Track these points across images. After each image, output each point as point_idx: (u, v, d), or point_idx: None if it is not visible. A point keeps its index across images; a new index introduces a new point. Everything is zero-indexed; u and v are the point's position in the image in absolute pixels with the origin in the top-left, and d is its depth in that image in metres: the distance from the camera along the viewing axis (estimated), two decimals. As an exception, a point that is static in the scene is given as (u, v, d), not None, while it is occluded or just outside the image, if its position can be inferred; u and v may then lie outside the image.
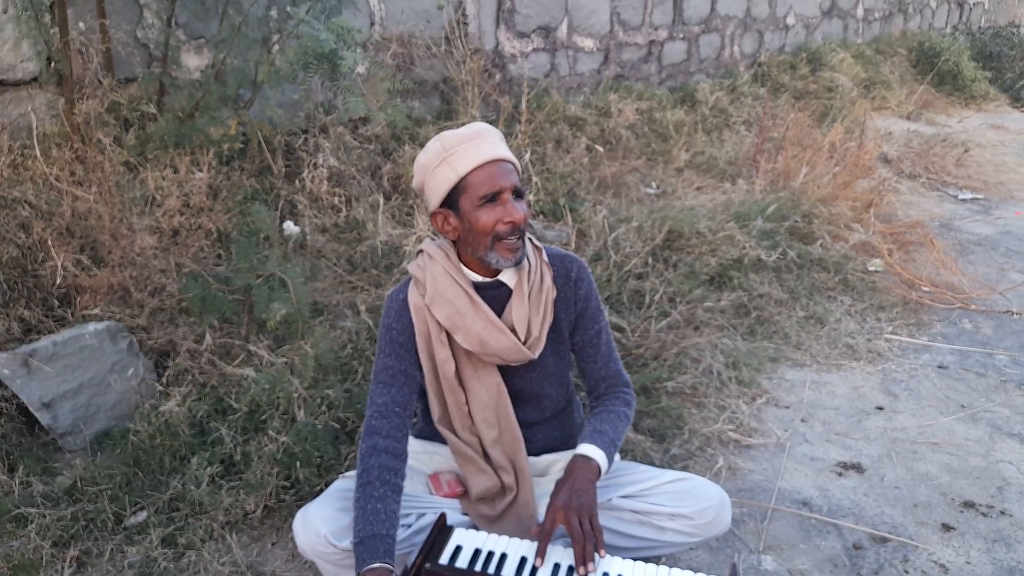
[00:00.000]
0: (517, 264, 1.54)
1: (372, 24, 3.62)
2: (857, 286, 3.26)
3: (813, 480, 2.16)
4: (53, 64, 2.55)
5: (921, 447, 2.32)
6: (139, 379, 2.23)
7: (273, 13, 2.75)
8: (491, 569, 1.40)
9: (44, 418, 2.12)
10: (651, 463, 2.15)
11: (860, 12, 7.29)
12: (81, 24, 2.78)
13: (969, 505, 2.06)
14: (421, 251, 1.65)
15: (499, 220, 1.47)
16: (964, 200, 4.61)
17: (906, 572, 1.82)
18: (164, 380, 2.23)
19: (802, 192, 3.71)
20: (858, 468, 2.22)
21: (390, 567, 1.35)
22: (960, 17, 9.21)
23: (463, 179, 1.46)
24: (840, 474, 2.19)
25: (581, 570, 1.35)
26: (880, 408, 2.52)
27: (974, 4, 9.41)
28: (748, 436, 2.34)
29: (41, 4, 2.53)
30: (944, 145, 5.22)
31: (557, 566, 1.40)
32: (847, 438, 2.36)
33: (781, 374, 2.69)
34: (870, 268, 3.43)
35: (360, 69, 2.28)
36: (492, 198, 1.47)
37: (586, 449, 1.52)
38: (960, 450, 2.30)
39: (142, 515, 1.95)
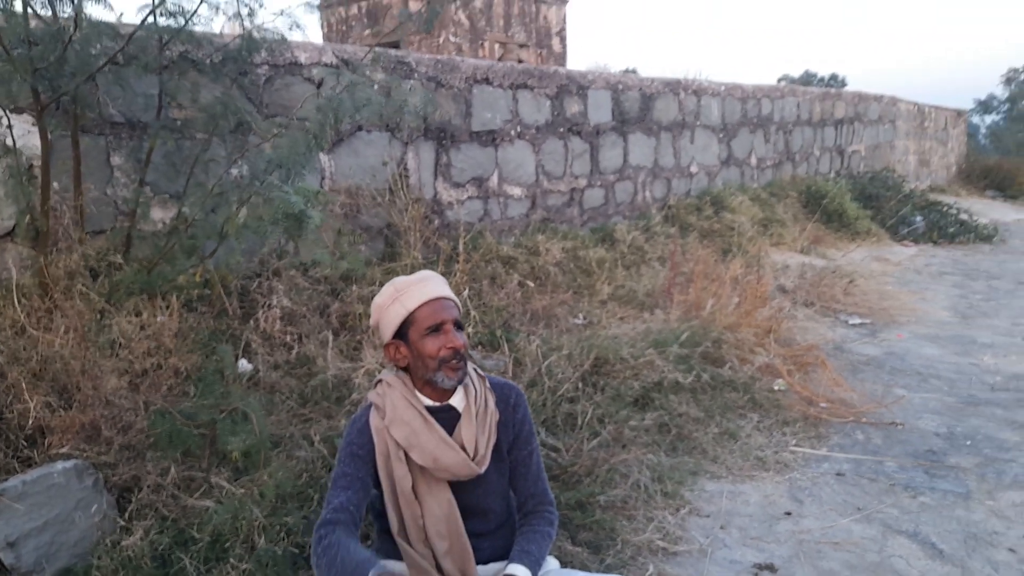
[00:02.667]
0: (460, 383, 1.81)
1: (322, 179, 4.02)
2: (764, 404, 3.64)
3: (733, 581, 2.40)
4: (32, 221, 2.78)
5: (825, 547, 2.60)
6: (101, 515, 2.33)
7: (235, 172, 3.10)
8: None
9: (7, 558, 2.18)
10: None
11: (754, 161, 8.26)
12: (56, 184, 3.04)
13: (867, 596, 2.33)
14: (380, 380, 1.91)
15: (443, 346, 1.75)
16: (853, 325, 5.19)
17: (816, 659, 2.05)
18: (127, 515, 2.33)
19: (711, 320, 4.16)
20: (771, 569, 2.47)
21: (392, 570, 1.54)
22: (842, 163, 10.47)
23: (412, 314, 1.76)
24: (756, 574, 2.44)
25: None
26: (788, 513, 2.81)
27: (852, 152, 10.74)
28: (674, 544, 2.58)
29: (26, 169, 2.81)
30: (833, 276, 5.89)
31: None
32: (761, 542, 2.63)
33: (701, 486, 2.97)
34: (775, 387, 3.83)
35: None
36: (436, 328, 1.76)
37: (514, 569, 1.73)
38: (858, 548, 2.60)
39: (103, 650, 2.01)
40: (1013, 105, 30.14)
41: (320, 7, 15.62)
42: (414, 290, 1.79)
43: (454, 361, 1.77)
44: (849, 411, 3.66)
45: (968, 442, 3.44)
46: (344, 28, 13.31)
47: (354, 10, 14.48)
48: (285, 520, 2.32)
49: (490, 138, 5.00)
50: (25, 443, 2.40)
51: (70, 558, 2.27)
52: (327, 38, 13.54)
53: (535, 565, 1.78)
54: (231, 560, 2.18)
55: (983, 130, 33.06)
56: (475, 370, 1.93)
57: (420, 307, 1.76)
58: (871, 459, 3.25)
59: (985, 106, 31.86)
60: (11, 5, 2.39)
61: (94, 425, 2.36)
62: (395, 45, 13.42)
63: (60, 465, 2.30)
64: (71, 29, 2.40)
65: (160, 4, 2.54)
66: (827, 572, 2.46)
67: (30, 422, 2.36)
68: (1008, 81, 33.91)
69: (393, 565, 1.70)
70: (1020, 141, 24.09)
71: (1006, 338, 5.05)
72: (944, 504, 2.89)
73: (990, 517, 2.80)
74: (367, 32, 14.88)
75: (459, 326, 1.80)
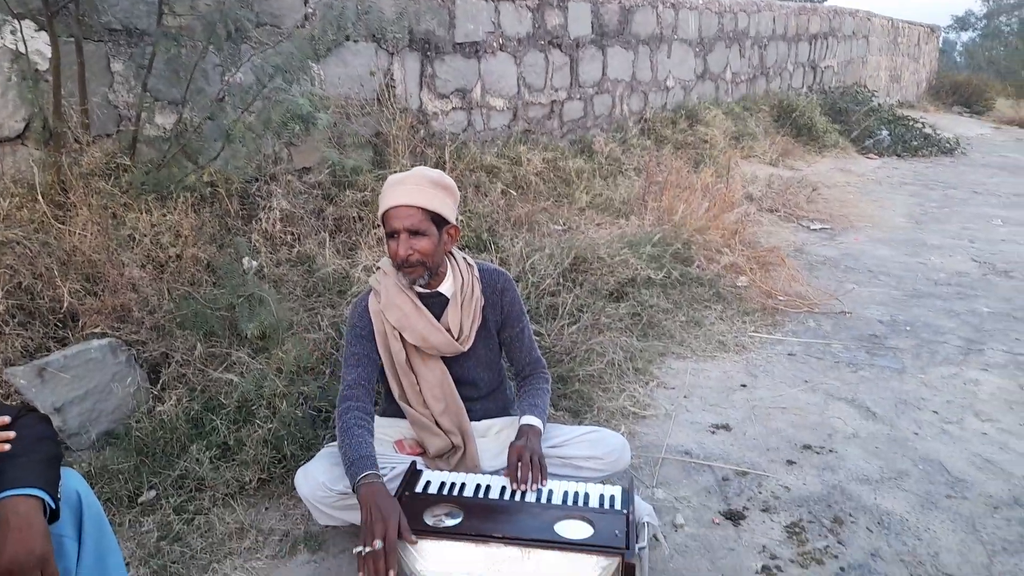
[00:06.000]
0: (413, 285, 2.04)
1: (312, 87, 4.15)
2: (727, 297, 3.99)
3: (693, 437, 2.78)
4: (45, 124, 2.94)
5: (774, 411, 2.99)
6: (136, 387, 2.62)
7: (240, 77, 3.25)
8: (455, 492, 1.90)
9: (55, 421, 2.46)
10: (569, 433, 2.71)
11: (728, 75, 8.41)
12: (62, 90, 3.18)
13: (807, 447, 2.72)
14: (379, 268, 2.18)
15: (395, 252, 1.98)
16: (814, 230, 5.53)
17: (760, 493, 2.44)
18: (159, 386, 2.62)
19: (682, 224, 4.46)
20: (727, 428, 2.86)
21: (379, 474, 1.83)
22: (814, 78, 10.62)
23: (381, 216, 2.00)
24: (713, 432, 2.82)
25: (523, 486, 1.89)
26: (744, 385, 3.19)
27: (825, 67, 10.88)
28: (644, 410, 2.94)
29: (37, 74, 2.94)
30: (799, 186, 6.19)
31: (504, 487, 1.92)
32: (719, 408, 3.01)
33: (668, 364, 3.33)
34: (738, 284, 4.18)
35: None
36: (391, 235, 1.98)
37: (528, 419, 2.07)
38: (802, 412, 2.99)
39: (152, 493, 2.33)
40: (989, 21, 30.07)
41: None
42: (386, 194, 1.98)
43: (406, 267, 1.99)
44: (804, 303, 4.02)
45: (908, 328, 3.83)
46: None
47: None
48: (303, 389, 2.63)
49: (473, 50, 5.12)
50: (59, 324, 2.65)
51: (110, 423, 2.57)
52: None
53: (543, 414, 2.12)
54: (257, 421, 2.49)
55: (959, 47, 33.05)
56: (464, 259, 2.20)
57: (385, 212, 1.97)
58: (820, 342, 3.63)
59: (962, 22, 31.73)
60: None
61: (124, 307, 2.62)
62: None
63: (96, 343, 2.57)
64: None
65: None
66: (774, 430, 2.84)
67: (64, 306, 2.61)
68: (987, -4, 33.69)
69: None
70: (992, 58, 24.23)
71: (954, 240, 5.44)
72: (881, 377, 3.28)
73: (920, 387, 3.20)
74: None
75: (416, 232, 1.95)
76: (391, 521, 1.64)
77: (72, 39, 3.05)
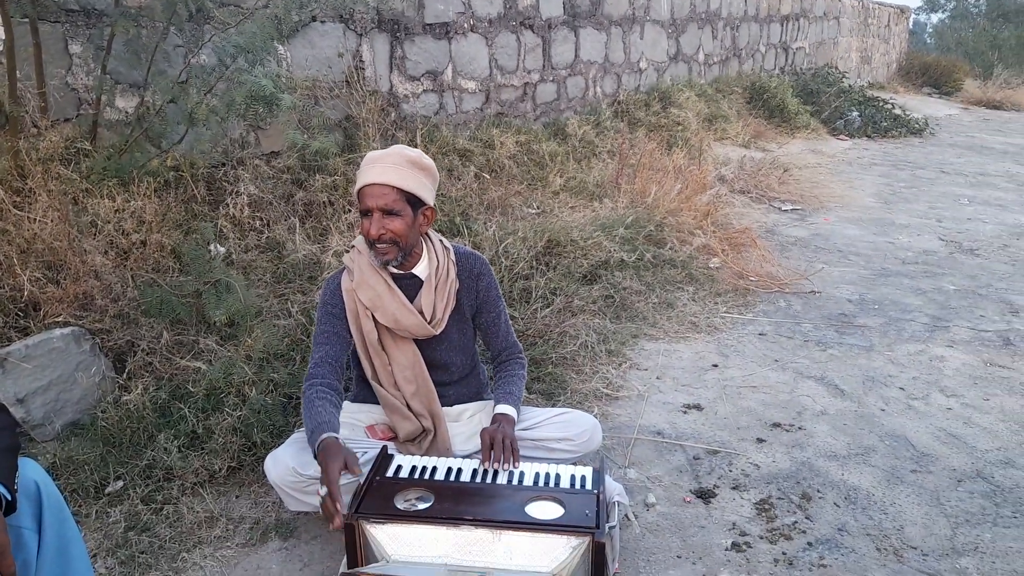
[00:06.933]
0: (384, 266, 2.01)
1: (278, 68, 4.07)
2: (699, 278, 4.01)
3: (665, 417, 2.80)
4: (2, 109, 2.85)
5: (744, 390, 3.01)
6: (101, 376, 2.57)
7: (203, 58, 3.18)
8: (426, 476, 1.90)
9: (18, 412, 2.41)
10: (542, 415, 2.71)
11: (701, 57, 8.42)
12: (18, 73, 3.08)
13: (776, 425, 2.76)
14: (353, 247, 2.15)
15: (367, 231, 1.95)
16: (785, 210, 5.57)
17: (730, 471, 2.47)
18: (125, 375, 2.58)
19: (654, 206, 4.47)
20: (698, 407, 2.88)
21: (336, 435, 1.82)
22: (786, 60, 10.67)
23: (357, 193, 1.97)
24: (685, 412, 2.84)
25: (495, 466, 1.89)
26: (715, 365, 3.21)
27: (796, 49, 10.93)
28: (616, 391, 2.95)
29: (-11, 55, 2.85)
30: (770, 167, 6.23)
31: (475, 471, 1.92)
32: (691, 388, 3.03)
33: (641, 346, 3.34)
34: (710, 265, 4.20)
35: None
36: (364, 213, 1.95)
37: (503, 408, 2.06)
38: (772, 390, 3.02)
39: (119, 484, 2.30)
40: (958, 3, 30.40)
41: None
42: (363, 171, 1.94)
43: (380, 245, 1.96)
44: (775, 283, 4.05)
45: (876, 306, 3.88)
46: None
47: None
48: (273, 376, 2.60)
49: (443, 31, 5.06)
50: (20, 314, 2.59)
51: (75, 413, 2.52)
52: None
53: (517, 402, 2.12)
54: (226, 409, 2.46)
55: (929, 28, 33.39)
56: (441, 241, 2.18)
57: (360, 189, 1.94)
58: (790, 322, 3.67)
59: (932, 4, 32.02)
60: None
61: (87, 295, 2.56)
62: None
63: (58, 331, 2.51)
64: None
65: None
66: (745, 409, 2.87)
67: (25, 295, 2.55)
68: (956, -21, 33.93)
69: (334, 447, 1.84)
70: (961, 39, 24.54)
71: (921, 220, 5.52)
72: (849, 355, 3.33)
73: (887, 364, 3.25)
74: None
75: (390, 212, 1.92)
76: (332, 464, 1.70)
77: (27, 20, 2.96)
